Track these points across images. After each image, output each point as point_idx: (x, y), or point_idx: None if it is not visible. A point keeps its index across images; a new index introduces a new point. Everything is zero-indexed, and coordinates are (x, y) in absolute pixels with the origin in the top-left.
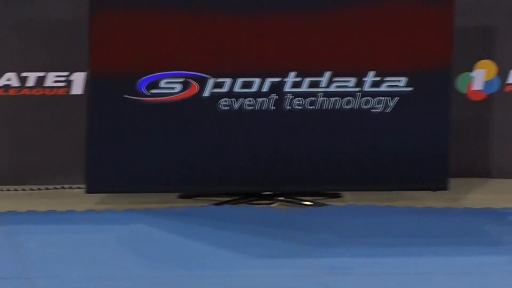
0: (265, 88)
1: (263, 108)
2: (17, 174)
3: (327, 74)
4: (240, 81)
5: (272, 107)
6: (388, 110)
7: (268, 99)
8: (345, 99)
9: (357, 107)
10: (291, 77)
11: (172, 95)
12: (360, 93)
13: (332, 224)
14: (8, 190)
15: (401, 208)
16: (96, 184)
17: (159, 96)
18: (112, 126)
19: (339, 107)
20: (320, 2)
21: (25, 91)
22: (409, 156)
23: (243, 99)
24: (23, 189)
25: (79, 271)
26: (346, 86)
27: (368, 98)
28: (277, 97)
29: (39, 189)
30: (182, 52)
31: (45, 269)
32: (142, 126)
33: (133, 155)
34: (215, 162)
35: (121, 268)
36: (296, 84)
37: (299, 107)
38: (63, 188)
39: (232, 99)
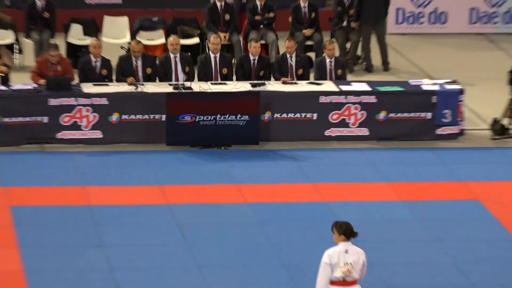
0: (209, 118)
1: (212, 124)
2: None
3: (228, 114)
4: (204, 116)
5: (212, 123)
6: (242, 124)
7: (210, 120)
8: (228, 121)
9: (232, 124)
10: (218, 116)
11: (188, 120)
12: (235, 119)
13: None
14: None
15: (247, 150)
16: (171, 141)
17: (184, 120)
18: (174, 127)
19: (228, 123)
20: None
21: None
22: (250, 134)
23: (207, 121)
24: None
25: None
26: (230, 117)
27: (237, 121)
28: (213, 120)
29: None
30: (190, 110)
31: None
32: (183, 128)
33: (180, 133)
34: (203, 136)
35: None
36: (217, 117)
37: (217, 123)
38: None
39: (204, 121)
